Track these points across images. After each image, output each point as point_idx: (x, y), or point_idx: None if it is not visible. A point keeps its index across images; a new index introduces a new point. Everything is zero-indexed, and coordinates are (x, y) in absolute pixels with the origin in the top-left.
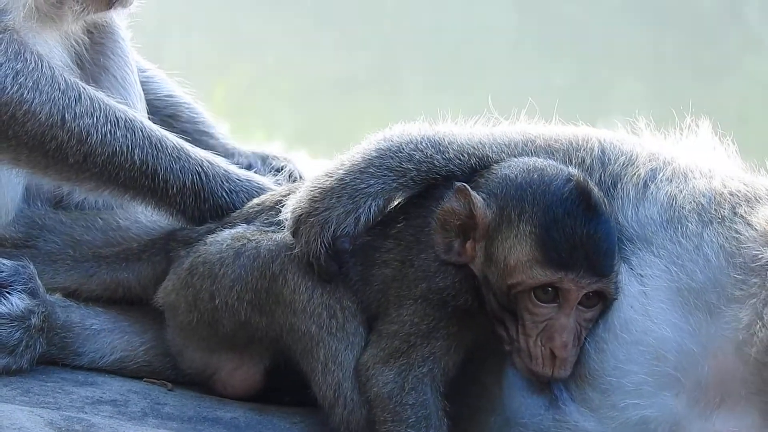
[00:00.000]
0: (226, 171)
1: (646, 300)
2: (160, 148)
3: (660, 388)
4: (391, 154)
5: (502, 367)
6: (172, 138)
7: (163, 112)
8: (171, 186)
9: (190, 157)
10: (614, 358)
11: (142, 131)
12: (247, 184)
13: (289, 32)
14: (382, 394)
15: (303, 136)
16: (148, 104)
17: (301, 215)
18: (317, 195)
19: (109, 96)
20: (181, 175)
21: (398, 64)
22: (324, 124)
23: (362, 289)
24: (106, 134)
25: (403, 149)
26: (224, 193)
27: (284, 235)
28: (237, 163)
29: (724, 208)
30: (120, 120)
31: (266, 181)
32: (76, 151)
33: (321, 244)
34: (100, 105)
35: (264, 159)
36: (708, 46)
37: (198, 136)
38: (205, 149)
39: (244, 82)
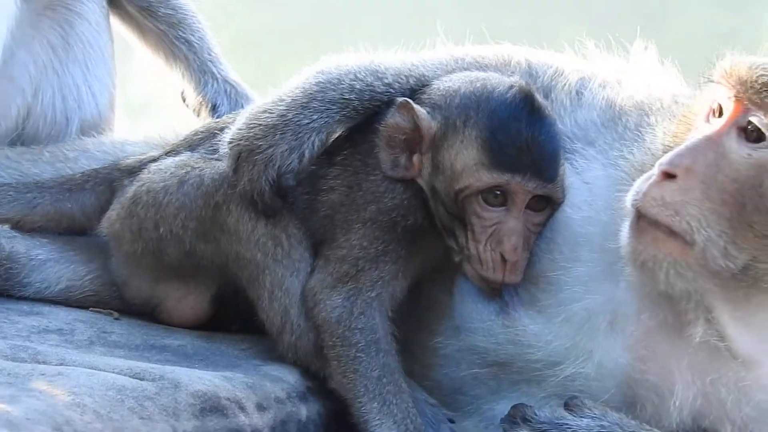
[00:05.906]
0: None
1: (590, 196)
2: None
3: (603, 279)
4: (332, 87)
5: (453, 280)
6: None
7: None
8: None
9: None
10: (561, 256)
11: None
12: None
13: None
14: (330, 319)
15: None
16: None
17: (241, 152)
18: (258, 132)
19: None
20: None
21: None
22: None
23: (309, 216)
24: None
25: (343, 80)
26: None
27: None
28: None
29: (665, 103)
30: None
31: None
32: None
33: (265, 182)
34: None
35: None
36: None
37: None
38: None
39: None
